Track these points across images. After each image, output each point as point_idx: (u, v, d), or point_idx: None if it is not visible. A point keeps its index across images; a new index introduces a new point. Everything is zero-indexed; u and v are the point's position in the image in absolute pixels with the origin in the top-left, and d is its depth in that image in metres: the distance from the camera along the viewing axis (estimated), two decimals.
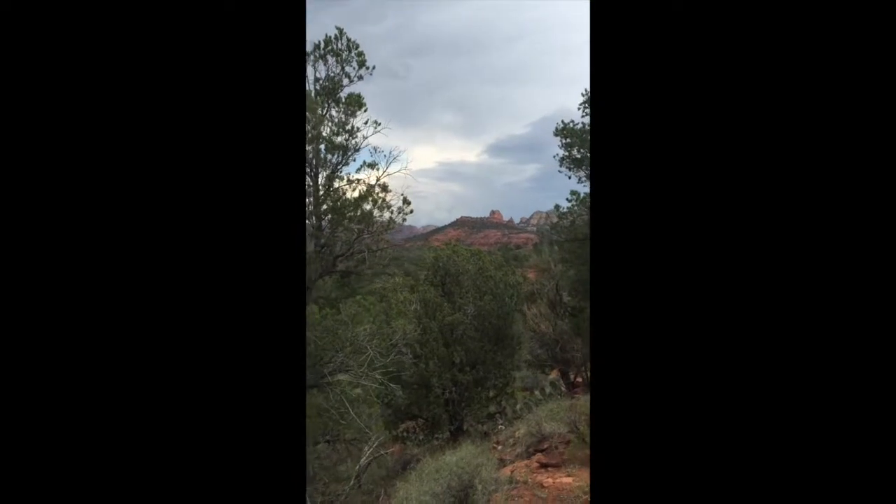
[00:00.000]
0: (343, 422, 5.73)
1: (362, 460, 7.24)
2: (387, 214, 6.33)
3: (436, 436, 9.88)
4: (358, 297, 5.95)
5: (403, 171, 6.65)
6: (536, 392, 12.90)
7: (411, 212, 6.38)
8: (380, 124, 6.41)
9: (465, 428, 9.80)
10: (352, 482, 7.24)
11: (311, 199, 6.48)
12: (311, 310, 5.49)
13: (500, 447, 7.71)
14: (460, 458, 5.55)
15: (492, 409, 10.49)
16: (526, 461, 5.97)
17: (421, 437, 10.10)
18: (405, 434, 10.25)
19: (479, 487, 4.65)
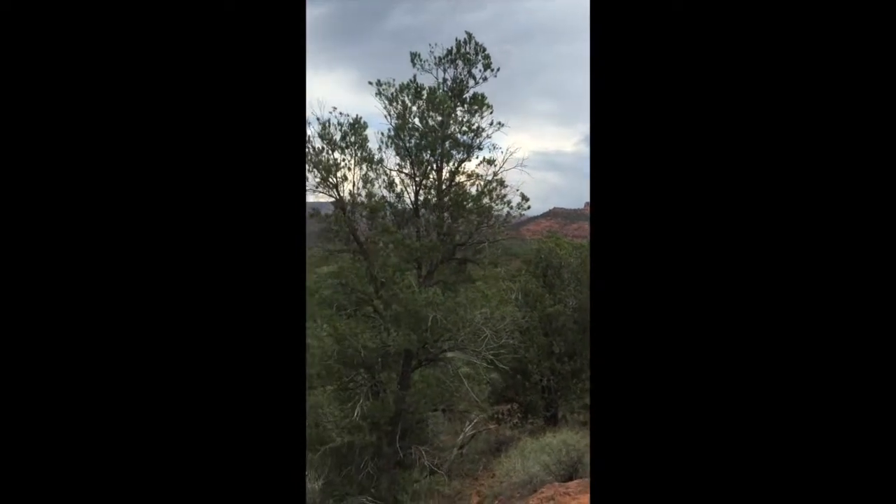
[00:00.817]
0: (458, 394, 6.39)
1: (466, 430, 7.91)
2: (505, 209, 6.81)
3: (530, 420, 10.32)
4: (478, 283, 6.53)
5: (520, 168, 7.09)
6: None
7: (528, 207, 6.83)
8: (502, 125, 6.88)
9: (560, 415, 10.14)
10: (455, 451, 7.96)
11: (435, 192, 7.14)
12: (435, 291, 6.16)
13: None
14: (562, 440, 5.97)
15: (587, 400, 10.71)
16: None
17: (516, 420, 10.59)
18: (500, 416, 10.80)
19: (589, 464, 5.03)
